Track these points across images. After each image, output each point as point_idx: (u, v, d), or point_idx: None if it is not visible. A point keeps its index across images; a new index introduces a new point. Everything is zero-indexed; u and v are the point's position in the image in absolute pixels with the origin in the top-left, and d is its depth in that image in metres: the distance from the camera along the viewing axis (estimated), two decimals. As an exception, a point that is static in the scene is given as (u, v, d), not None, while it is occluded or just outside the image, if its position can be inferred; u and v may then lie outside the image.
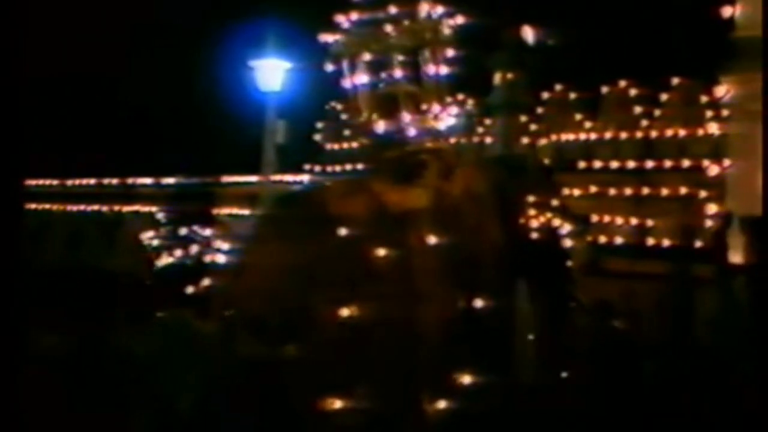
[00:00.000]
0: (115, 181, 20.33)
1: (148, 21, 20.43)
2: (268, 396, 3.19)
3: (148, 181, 19.47)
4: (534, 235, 2.65)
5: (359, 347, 2.55)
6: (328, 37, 2.66)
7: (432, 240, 2.59)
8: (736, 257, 10.18)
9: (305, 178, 17.46)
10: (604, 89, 14.17)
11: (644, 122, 13.78)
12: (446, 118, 2.64)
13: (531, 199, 2.68)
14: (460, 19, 2.64)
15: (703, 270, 9.62)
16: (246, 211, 16.26)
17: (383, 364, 2.54)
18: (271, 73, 13.94)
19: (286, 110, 14.79)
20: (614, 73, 13.96)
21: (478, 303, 2.55)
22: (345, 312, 2.54)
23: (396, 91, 2.62)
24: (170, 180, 18.68)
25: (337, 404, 2.52)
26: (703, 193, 12.70)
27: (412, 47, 2.63)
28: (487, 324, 2.57)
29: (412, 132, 2.59)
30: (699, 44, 12.17)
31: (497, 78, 8.71)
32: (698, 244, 11.80)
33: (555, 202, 2.75)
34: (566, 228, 2.74)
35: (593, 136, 14.15)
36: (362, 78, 2.63)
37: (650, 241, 13.02)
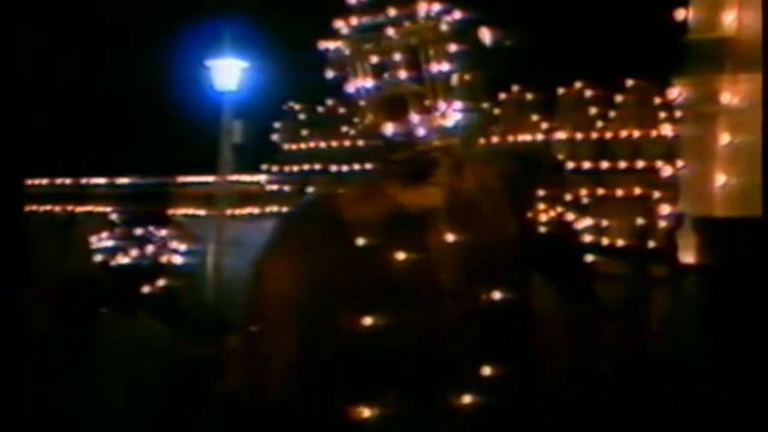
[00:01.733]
0: (68, 180, 20.07)
1: (102, 20, 20.21)
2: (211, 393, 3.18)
3: (101, 180, 19.25)
4: (543, 230, 2.66)
5: (384, 353, 2.55)
6: (327, 44, 2.64)
7: (450, 237, 2.59)
8: (688, 257, 10.33)
9: (262, 177, 17.39)
10: (560, 91, 14.29)
11: (599, 123, 13.92)
12: (453, 114, 2.64)
13: (542, 193, 2.69)
14: (457, 14, 2.65)
15: (656, 269, 9.75)
16: (202, 211, 16.14)
17: (409, 367, 2.54)
18: (228, 72, 13.87)
19: (242, 110, 14.71)
20: (570, 75, 14.09)
21: (497, 296, 2.56)
22: (368, 320, 2.53)
23: (401, 92, 2.62)
24: (125, 180, 18.49)
25: (366, 412, 2.51)
26: (656, 194, 12.86)
27: (413, 46, 2.63)
28: (507, 317, 2.58)
29: (420, 132, 2.59)
30: (653, 47, 12.32)
31: (454, 79, 8.73)
32: (651, 243, 11.96)
33: (568, 197, 2.77)
34: (582, 223, 2.76)
35: (549, 136, 14.27)
36: (367, 81, 2.62)
37: (605, 241, 13.16)
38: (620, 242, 12.69)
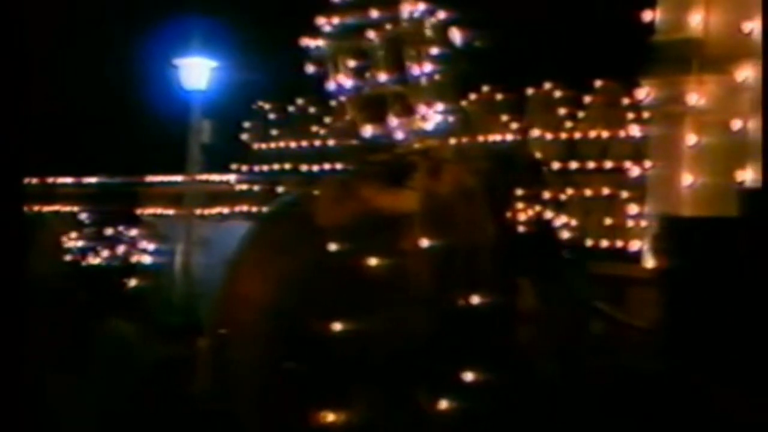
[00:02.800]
0: (34, 180, 19.84)
1: (70, 16, 20.01)
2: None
3: (68, 180, 19.05)
4: (521, 229, 2.68)
5: (355, 357, 2.56)
6: (309, 42, 2.65)
7: (425, 242, 2.61)
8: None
9: (232, 177, 17.30)
10: (530, 91, 14.37)
11: (568, 124, 14.02)
12: (433, 117, 2.65)
13: (520, 192, 2.71)
14: (441, 15, 2.67)
15: (637, 270, 9.83)
16: (171, 211, 16.02)
17: (381, 372, 2.55)
18: (196, 71, 13.81)
19: (211, 109, 14.64)
20: (539, 76, 14.17)
21: (476, 300, 2.58)
22: (338, 325, 2.55)
23: (383, 93, 2.63)
24: (92, 179, 18.32)
25: (336, 416, 2.52)
26: (624, 194, 12.97)
27: (396, 47, 2.64)
28: (488, 321, 2.60)
29: (399, 135, 2.61)
30: (621, 48, 12.42)
31: (424, 80, 8.75)
32: (619, 243, 12.05)
33: (546, 195, 2.79)
34: (560, 220, 2.78)
35: (520, 137, 14.34)
36: (348, 81, 2.63)
37: (574, 240, 13.23)
38: (589, 242, 12.78)
